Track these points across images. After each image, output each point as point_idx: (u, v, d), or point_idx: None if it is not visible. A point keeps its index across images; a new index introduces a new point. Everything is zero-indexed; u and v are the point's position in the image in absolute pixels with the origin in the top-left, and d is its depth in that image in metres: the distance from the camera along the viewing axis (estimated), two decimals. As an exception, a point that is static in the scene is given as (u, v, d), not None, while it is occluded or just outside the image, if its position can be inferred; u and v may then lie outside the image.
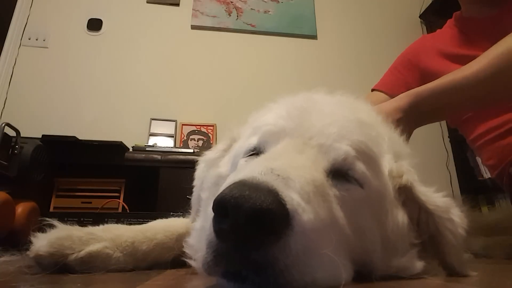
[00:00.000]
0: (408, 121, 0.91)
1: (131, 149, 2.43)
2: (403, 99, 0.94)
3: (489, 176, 2.33)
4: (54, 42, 2.99)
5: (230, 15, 3.31)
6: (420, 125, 0.99)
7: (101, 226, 0.63)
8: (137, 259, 0.61)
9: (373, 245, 0.50)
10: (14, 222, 1.26)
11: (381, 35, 3.44)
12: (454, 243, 0.53)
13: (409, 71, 1.38)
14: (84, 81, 2.94)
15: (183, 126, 2.93)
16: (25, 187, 1.45)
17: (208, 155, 0.71)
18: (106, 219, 1.61)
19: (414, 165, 0.60)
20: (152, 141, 2.77)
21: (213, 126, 2.95)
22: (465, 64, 0.93)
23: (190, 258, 0.58)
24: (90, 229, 0.60)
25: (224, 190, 0.36)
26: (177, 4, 3.28)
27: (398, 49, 1.51)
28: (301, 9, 3.43)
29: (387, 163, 0.56)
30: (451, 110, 1.01)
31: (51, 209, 2.17)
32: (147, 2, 3.25)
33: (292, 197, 0.37)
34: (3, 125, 1.35)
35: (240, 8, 3.35)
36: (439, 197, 0.56)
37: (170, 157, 2.37)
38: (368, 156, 0.53)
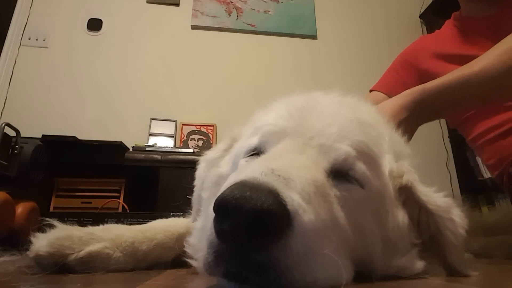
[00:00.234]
0: (414, 118, 0.90)
1: (131, 149, 2.43)
2: (408, 96, 0.93)
3: (489, 176, 2.33)
4: (54, 42, 2.99)
5: (230, 15, 3.31)
6: (426, 122, 0.98)
7: (101, 226, 0.63)
8: (137, 259, 0.62)
9: (373, 245, 0.50)
10: (14, 222, 1.26)
11: (381, 35, 3.44)
12: (454, 243, 0.53)
13: (408, 72, 1.37)
14: (84, 81, 2.94)
15: (183, 126, 2.93)
16: (25, 187, 1.46)
17: (209, 154, 0.71)
18: (106, 219, 1.61)
19: (415, 165, 0.60)
20: (152, 141, 2.77)
21: (213, 126, 2.95)
22: (465, 64, 0.93)
23: (191, 257, 0.58)
24: (90, 229, 0.60)
25: (225, 191, 0.36)
26: (177, 4, 3.28)
27: (398, 49, 1.51)
28: (301, 9, 3.43)
29: (387, 163, 0.56)
30: (458, 106, 1.00)
31: (51, 209, 2.17)
32: (147, 2, 3.25)
33: (293, 198, 0.37)
34: (3, 125, 1.35)
35: (240, 8, 3.35)
36: (439, 197, 0.56)
37: (170, 157, 2.37)
38: (369, 156, 0.52)
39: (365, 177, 0.51)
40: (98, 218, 1.60)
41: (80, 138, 2.29)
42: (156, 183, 2.25)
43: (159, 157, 2.35)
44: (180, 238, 0.66)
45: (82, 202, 2.22)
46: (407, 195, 0.56)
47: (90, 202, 2.21)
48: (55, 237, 0.54)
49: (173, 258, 0.65)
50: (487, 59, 0.89)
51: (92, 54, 3.03)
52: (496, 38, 0.94)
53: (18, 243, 0.64)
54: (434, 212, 0.54)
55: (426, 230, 0.55)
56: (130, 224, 0.68)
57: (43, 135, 2.15)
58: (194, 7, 3.27)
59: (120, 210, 2.16)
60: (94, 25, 3.10)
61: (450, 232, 0.53)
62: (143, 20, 3.20)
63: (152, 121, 2.88)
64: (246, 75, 3.16)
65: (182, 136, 2.90)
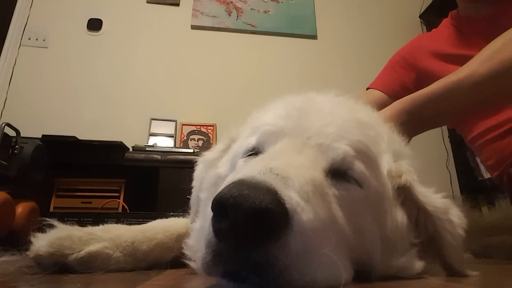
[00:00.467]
0: (404, 129, 0.90)
1: (131, 149, 2.43)
2: (396, 107, 0.92)
3: (489, 176, 2.33)
4: (54, 42, 2.99)
5: (230, 15, 3.31)
6: (418, 133, 0.96)
7: (101, 226, 0.63)
8: (137, 259, 0.62)
9: (372, 245, 0.50)
10: (14, 222, 1.26)
11: (381, 35, 3.44)
12: (453, 244, 0.53)
13: (405, 70, 1.37)
14: (84, 81, 2.94)
15: (183, 126, 2.93)
16: (25, 187, 1.45)
17: (207, 155, 0.71)
18: (106, 219, 1.60)
19: (414, 165, 0.60)
20: (152, 141, 2.77)
21: (213, 126, 2.95)
22: (462, 64, 0.92)
23: (190, 259, 0.58)
24: (90, 229, 0.60)
25: (223, 190, 0.36)
26: (177, 4, 3.28)
27: (398, 49, 1.51)
28: (301, 9, 3.43)
29: (386, 163, 0.56)
30: (449, 115, 0.98)
31: (51, 209, 2.17)
32: (147, 2, 3.25)
33: (291, 196, 0.37)
34: (3, 125, 1.35)
35: (240, 8, 3.35)
36: (438, 198, 0.56)
37: (170, 157, 2.36)
38: (367, 156, 0.53)
39: (364, 176, 0.51)
40: (98, 218, 1.60)
41: (80, 138, 2.29)
42: (156, 183, 2.25)
43: (159, 157, 2.35)
44: (180, 238, 0.66)
45: (82, 202, 2.22)
46: (405, 195, 0.56)
47: (90, 202, 2.21)
48: (55, 237, 0.54)
49: (173, 258, 0.65)
50: (472, 66, 0.89)
51: (92, 54, 3.03)
52: (492, 38, 0.93)
53: (18, 243, 0.64)
54: (432, 213, 0.54)
55: (424, 230, 0.55)
56: (130, 224, 0.68)
57: (43, 135, 2.15)
58: (194, 7, 3.27)
59: (120, 210, 2.16)
60: (94, 25, 3.10)
61: (449, 234, 0.53)
62: (143, 20, 3.20)
63: (152, 121, 2.88)
64: (246, 75, 3.16)
65: (182, 136, 2.90)
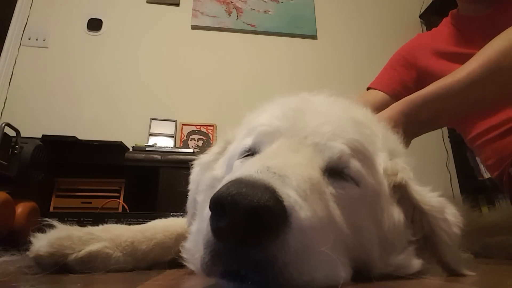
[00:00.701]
0: (403, 131, 0.89)
1: (131, 149, 2.43)
2: (395, 108, 0.91)
3: (489, 176, 2.33)
4: (54, 42, 3.00)
5: (230, 15, 3.31)
6: (418, 135, 0.96)
7: (100, 226, 0.63)
8: (136, 259, 0.62)
9: (370, 243, 0.50)
10: (14, 222, 1.26)
11: (381, 35, 3.43)
12: (449, 243, 0.53)
13: (406, 69, 1.37)
14: (84, 81, 2.95)
15: (183, 126, 2.93)
16: (25, 187, 1.46)
17: (203, 158, 0.71)
18: (106, 219, 1.61)
19: (410, 163, 0.60)
20: (152, 141, 2.77)
21: (213, 126, 2.95)
22: (462, 62, 0.92)
23: (188, 262, 0.58)
24: (90, 229, 0.60)
25: (221, 188, 0.36)
26: (177, 4, 3.28)
27: (398, 49, 1.51)
28: (301, 9, 3.43)
29: (382, 161, 0.56)
30: (448, 116, 0.97)
31: (51, 209, 2.17)
32: (147, 2, 3.25)
33: (289, 194, 0.37)
34: (3, 125, 1.35)
35: (240, 8, 3.35)
36: (433, 197, 0.56)
37: (170, 157, 2.36)
38: (363, 154, 0.53)
39: (360, 175, 0.51)
40: (98, 218, 1.60)
41: (80, 138, 2.29)
42: (156, 183, 2.25)
43: (159, 157, 2.35)
44: (180, 238, 0.66)
45: (82, 202, 2.23)
46: (401, 193, 0.56)
47: (90, 202, 2.21)
48: (55, 237, 0.55)
49: (173, 258, 0.65)
50: (470, 66, 0.88)
51: (92, 54, 3.03)
52: (492, 37, 0.93)
53: (18, 243, 0.64)
54: (428, 212, 0.54)
55: (420, 228, 0.56)
56: (130, 224, 0.68)
57: (43, 135, 2.15)
58: (194, 7, 3.27)
59: (120, 210, 2.16)
60: (94, 25, 3.10)
61: (444, 232, 0.53)
62: (143, 20, 3.21)
63: (152, 121, 2.89)
64: (246, 75, 3.16)
65: (182, 136, 2.90)
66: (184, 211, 0.74)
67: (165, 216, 0.77)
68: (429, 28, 3.42)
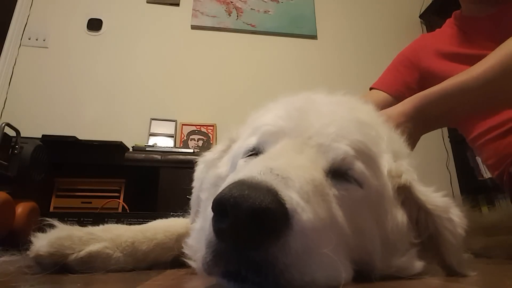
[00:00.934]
0: (415, 127, 0.88)
1: (131, 149, 2.43)
2: (407, 103, 0.91)
3: (489, 176, 2.33)
4: (54, 42, 2.99)
5: (230, 15, 3.31)
6: (428, 131, 0.96)
7: (101, 226, 0.63)
8: (137, 259, 0.62)
9: (372, 244, 0.50)
10: (14, 222, 1.26)
11: (381, 35, 3.44)
12: (453, 243, 0.53)
13: (409, 70, 1.37)
14: (84, 81, 2.94)
15: (183, 126, 2.93)
16: (25, 187, 1.46)
17: (207, 156, 0.71)
18: (106, 219, 1.61)
19: (414, 164, 0.60)
20: (152, 141, 2.77)
21: (213, 126, 2.95)
22: (465, 63, 0.92)
23: (190, 259, 0.58)
24: (90, 229, 0.60)
25: (223, 190, 0.36)
26: (177, 4, 3.28)
27: (398, 49, 1.51)
28: (301, 9, 3.43)
29: (386, 163, 0.56)
30: (459, 113, 0.97)
31: (51, 209, 2.17)
32: (147, 2, 3.25)
33: (292, 197, 0.37)
34: (3, 125, 1.35)
35: (240, 8, 3.35)
36: (438, 197, 0.56)
37: (170, 157, 2.36)
38: (367, 156, 0.53)
39: (364, 176, 0.51)
40: (98, 218, 1.60)
41: (80, 138, 2.28)
42: (156, 183, 2.25)
43: (159, 157, 2.35)
44: (180, 238, 0.66)
45: (82, 202, 2.22)
46: (405, 194, 0.56)
47: (90, 202, 2.21)
48: (55, 237, 0.55)
49: (173, 258, 0.65)
50: (487, 63, 0.88)
51: (92, 54, 3.03)
52: (496, 38, 0.93)
53: (18, 243, 0.64)
54: (433, 212, 0.54)
55: (424, 229, 0.55)
56: (130, 224, 0.68)
57: (43, 135, 2.14)
58: (194, 7, 3.27)
59: (120, 210, 2.16)
60: (94, 25, 3.10)
61: (449, 232, 0.53)
62: (143, 20, 3.20)
63: (152, 121, 2.88)
64: (246, 75, 3.16)
65: (182, 136, 2.90)
66: (184, 211, 0.74)
67: (165, 216, 0.77)
68: (429, 28, 3.42)
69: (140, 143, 2.58)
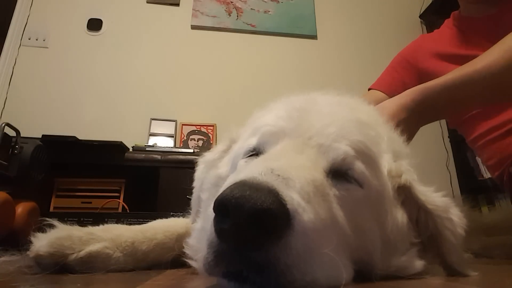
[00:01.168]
0: (414, 119, 0.88)
1: (131, 149, 2.43)
2: (408, 95, 0.91)
3: (489, 176, 2.33)
4: (54, 42, 2.99)
5: (230, 15, 3.31)
6: (426, 123, 0.95)
7: (101, 226, 0.63)
8: (137, 259, 0.62)
9: (373, 244, 0.50)
10: (14, 222, 1.26)
11: (381, 35, 3.44)
12: (453, 243, 0.53)
13: (407, 71, 1.37)
14: (84, 81, 2.94)
15: (183, 126, 2.93)
16: (25, 187, 1.45)
17: (208, 156, 0.71)
18: (106, 219, 1.61)
19: (414, 164, 0.60)
20: (152, 141, 2.77)
21: (213, 126, 2.95)
22: (464, 64, 0.92)
23: (190, 258, 0.58)
24: (90, 229, 0.60)
25: (225, 191, 0.37)
26: (177, 4, 3.28)
27: (398, 49, 1.51)
28: (301, 9, 3.43)
29: (386, 163, 0.56)
30: (460, 106, 0.97)
31: (51, 209, 2.17)
32: (147, 2, 3.25)
33: (293, 197, 0.37)
34: (3, 125, 1.35)
35: (240, 8, 3.35)
36: (438, 197, 0.56)
37: (170, 157, 2.37)
38: (367, 156, 0.53)
39: (364, 176, 0.51)
40: (98, 218, 1.60)
41: (80, 138, 2.28)
42: (156, 183, 2.25)
43: (159, 157, 2.35)
44: (180, 239, 0.66)
45: (82, 202, 2.22)
46: (406, 194, 0.56)
47: (90, 202, 2.21)
48: (55, 237, 0.54)
49: (173, 258, 0.65)
50: (490, 57, 0.88)
51: (92, 54, 3.03)
52: (495, 38, 0.93)
53: (18, 243, 0.64)
54: (433, 211, 0.54)
55: (425, 229, 0.56)
56: (130, 224, 0.68)
57: (43, 135, 2.15)
58: (194, 7, 3.27)
59: (120, 210, 2.16)
60: (94, 25, 3.10)
61: (449, 232, 0.54)
62: (143, 20, 3.20)
63: (152, 121, 2.88)
64: (246, 75, 3.16)
65: (182, 136, 2.90)
66: (184, 211, 0.74)
67: (165, 216, 0.77)
68: (429, 28, 3.42)
69: (140, 143, 2.58)
